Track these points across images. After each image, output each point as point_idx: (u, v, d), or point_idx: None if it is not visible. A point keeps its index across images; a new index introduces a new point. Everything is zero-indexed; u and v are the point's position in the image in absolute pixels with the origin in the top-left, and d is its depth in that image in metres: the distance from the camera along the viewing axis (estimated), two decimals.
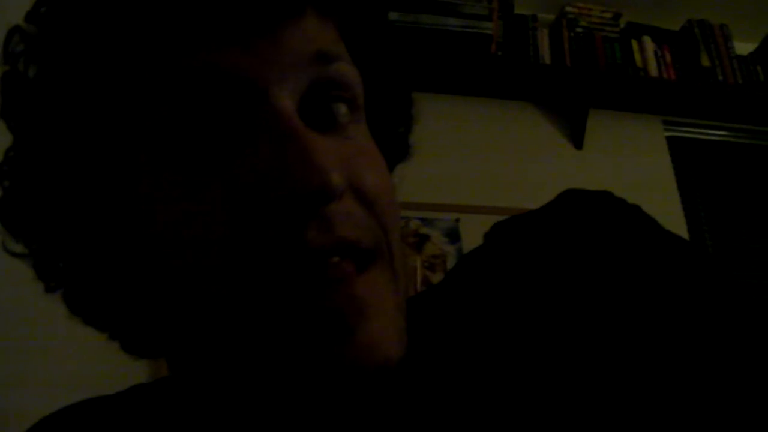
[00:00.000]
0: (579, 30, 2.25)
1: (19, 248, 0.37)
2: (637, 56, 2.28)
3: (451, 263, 1.91)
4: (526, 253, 0.41)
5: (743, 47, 2.44)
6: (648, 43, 2.32)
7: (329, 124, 0.33)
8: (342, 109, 0.34)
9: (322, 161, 0.28)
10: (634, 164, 2.25)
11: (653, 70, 2.27)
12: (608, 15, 2.32)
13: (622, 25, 2.34)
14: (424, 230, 1.95)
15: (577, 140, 2.23)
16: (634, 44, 2.30)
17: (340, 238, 0.30)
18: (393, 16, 1.98)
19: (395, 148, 0.44)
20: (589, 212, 0.41)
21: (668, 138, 2.38)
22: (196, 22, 0.30)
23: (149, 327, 0.36)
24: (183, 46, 0.30)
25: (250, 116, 0.30)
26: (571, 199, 0.43)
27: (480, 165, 2.10)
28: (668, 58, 2.32)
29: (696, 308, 0.36)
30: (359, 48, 0.36)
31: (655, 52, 2.31)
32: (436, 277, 1.87)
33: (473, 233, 1.90)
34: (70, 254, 0.36)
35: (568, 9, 2.29)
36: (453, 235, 1.97)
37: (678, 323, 0.35)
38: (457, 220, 1.99)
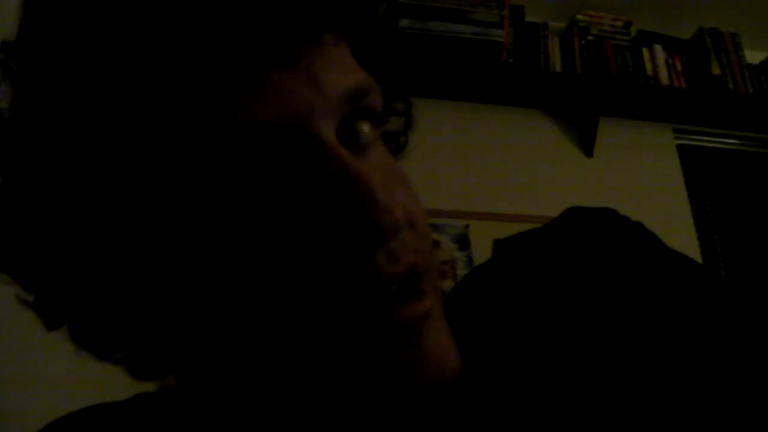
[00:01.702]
0: (590, 38, 2.26)
1: (29, 297, 0.35)
2: (648, 64, 2.28)
3: (460, 270, 1.91)
4: (534, 271, 0.41)
5: (754, 56, 2.44)
6: (659, 51, 2.32)
7: (354, 143, 0.33)
8: (366, 127, 0.34)
9: (385, 199, 0.29)
10: (644, 172, 2.25)
11: (664, 78, 2.27)
12: (619, 23, 2.33)
13: (633, 34, 2.34)
14: (433, 236, 1.95)
15: (587, 148, 2.23)
16: (645, 52, 2.31)
17: (406, 265, 0.31)
18: (404, 23, 1.98)
19: (395, 150, 0.45)
20: (592, 230, 0.42)
21: (678, 146, 2.38)
22: (226, 67, 0.28)
23: (175, 353, 0.36)
24: (213, 96, 0.28)
25: (300, 158, 0.30)
26: (575, 217, 0.43)
27: (490, 172, 2.11)
28: (679, 66, 2.33)
29: (698, 322, 0.36)
30: (369, 58, 0.37)
31: (666, 61, 2.32)
32: (446, 284, 1.87)
33: (483, 240, 1.91)
34: (87, 298, 0.34)
35: (580, 17, 2.30)
36: (463, 242, 1.97)
37: (680, 336, 0.36)
38: (467, 227, 1.99)
